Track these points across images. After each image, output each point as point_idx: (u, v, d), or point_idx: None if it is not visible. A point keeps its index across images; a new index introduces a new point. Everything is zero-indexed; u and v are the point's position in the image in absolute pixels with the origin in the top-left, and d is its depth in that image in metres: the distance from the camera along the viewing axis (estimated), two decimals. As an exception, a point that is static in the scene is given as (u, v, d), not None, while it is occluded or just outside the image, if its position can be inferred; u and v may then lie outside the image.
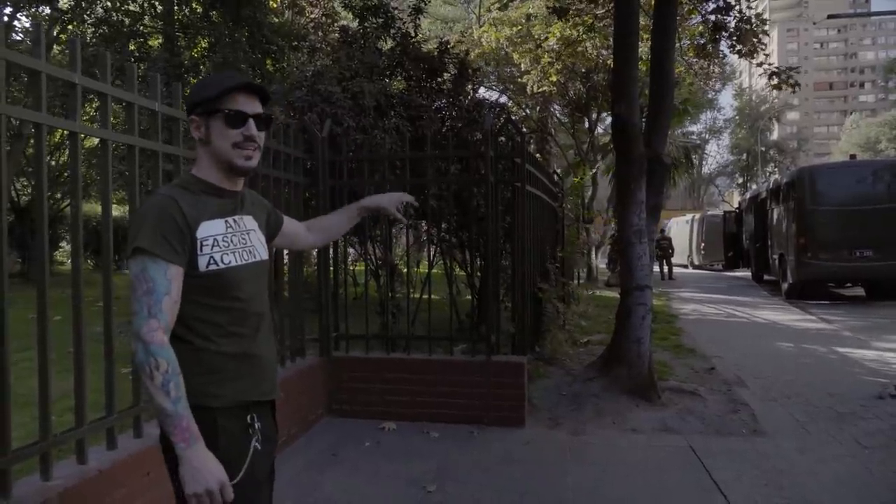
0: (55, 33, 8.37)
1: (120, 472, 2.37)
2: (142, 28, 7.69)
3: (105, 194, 2.53)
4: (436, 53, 6.75)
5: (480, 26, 15.59)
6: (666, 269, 18.67)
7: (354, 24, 7.24)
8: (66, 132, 2.63)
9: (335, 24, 9.33)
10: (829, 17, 7.02)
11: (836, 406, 4.80)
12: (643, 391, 4.85)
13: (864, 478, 3.46)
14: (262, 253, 1.62)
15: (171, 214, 1.41)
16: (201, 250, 1.44)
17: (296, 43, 8.61)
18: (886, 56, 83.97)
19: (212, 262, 1.46)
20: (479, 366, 4.39)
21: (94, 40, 7.00)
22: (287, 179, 4.21)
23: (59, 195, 15.58)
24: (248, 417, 1.51)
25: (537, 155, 11.58)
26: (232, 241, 1.51)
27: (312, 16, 9.74)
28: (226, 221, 1.52)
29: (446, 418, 4.33)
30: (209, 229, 1.47)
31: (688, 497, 3.25)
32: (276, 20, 8.99)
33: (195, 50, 7.99)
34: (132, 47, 7.34)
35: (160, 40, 7.84)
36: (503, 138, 5.65)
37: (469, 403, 4.37)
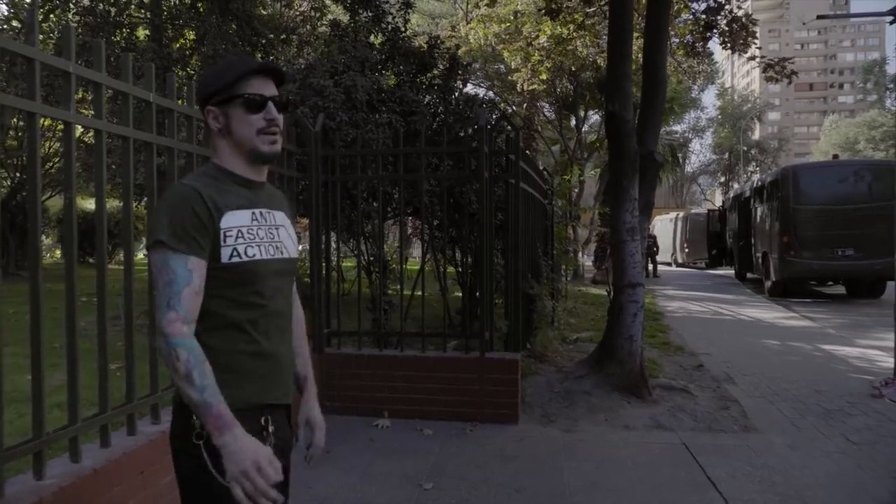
0: (38, 19, 8.17)
1: (114, 470, 2.31)
2: (128, 18, 7.55)
3: (99, 186, 2.47)
4: (426, 48, 6.71)
5: (468, 22, 15.55)
6: (651, 266, 18.81)
7: (345, 19, 7.17)
8: (49, 123, 2.54)
9: (324, 18, 9.25)
10: (819, 17, 7.09)
11: (823, 403, 4.87)
12: (635, 388, 4.87)
13: (854, 474, 3.51)
14: (292, 251, 1.56)
15: (192, 206, 1.36)
16: (224, 241, 1.39)
17: (284, 36, 8.51)
18: (865, 58, 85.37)
19: (235, 253, 1.40)
20: (472, 363, 4.38)
21: (79, 30, 6.85)
22: (279, 174, 4.16)
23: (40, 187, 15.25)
24: (262, 420, 1.45)
25: (526, 152, 11.58)
26: (258, 234, 1.45)
27: (301, 9, 9.64)
28: (252, 213, 1.47)
29: (440, 415, 4.31)
30: (233, 220, 1.41)
31: (683, 493, 3.27)
32: (265, 13, 8.88)
33: (183, 41, 7.86)
34: (118, 38, 7.20)
35: (147, 31, 7.72)
36: (495, 135, 5.63)
37: (462, 400, 4.36)
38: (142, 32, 7.97)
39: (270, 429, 1.46)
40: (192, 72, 7.19)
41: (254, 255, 1.43)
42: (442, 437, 4.07)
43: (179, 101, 3.12)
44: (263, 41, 7.83)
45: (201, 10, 7.71)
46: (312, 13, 9.70)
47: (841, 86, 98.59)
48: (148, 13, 7.63)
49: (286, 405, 1.56)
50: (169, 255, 1.32)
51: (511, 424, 4.29)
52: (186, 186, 1.39)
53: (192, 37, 7.55)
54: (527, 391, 4.84)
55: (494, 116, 6.01)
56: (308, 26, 9.48)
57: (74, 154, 2.33)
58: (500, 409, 4.33)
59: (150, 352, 2.74)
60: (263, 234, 1.47)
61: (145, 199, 2.92)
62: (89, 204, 17.48)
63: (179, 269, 1.32)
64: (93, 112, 2.49)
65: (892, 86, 52.27)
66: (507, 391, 4.35)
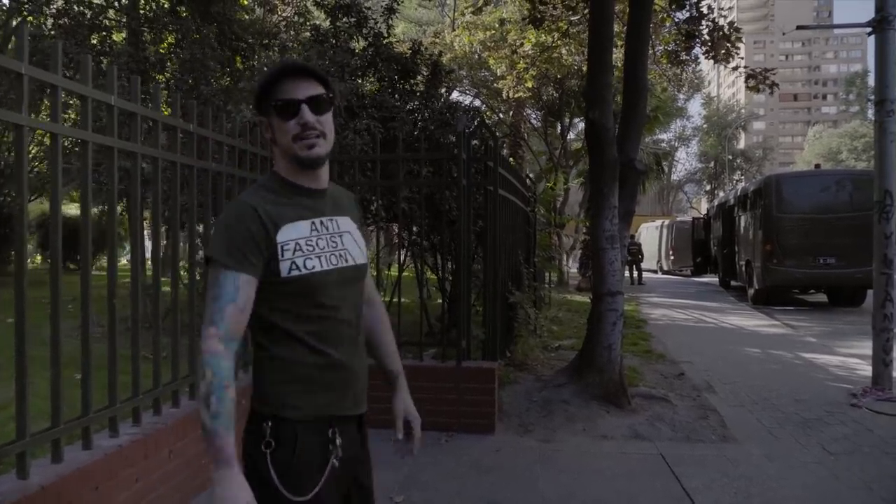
0: (13, 25, 8.06)
1: (66, 487, 2.22)
2: (105, 21, 7.42)
3: (54, 192, 2.38)
4: (409, 54, 6.68)
5: (454, 30, 15.58)
6: (636, 274, 18.87)
7: (326, 24, 7.12)
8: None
9: (307, 24, 9.19)
10: (799, 27, 7.13)
11: (802, 412, 4.85)
12: (614, 397, 4.83)
13: (831, 485, 3.48)
14: (358, 257, 1.53)
15: (246, 223, 1.37)
16: (282, 255, 1.39)
17: (266, 41, 8.44)
18: (848, 69, 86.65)
19: (294, 267, 1.40)
20: (449, 372, 4.32)
21: (52, 32, 6.72)
22: (253, 180, 4.08)
23: (10, 193, 15.00)
24: (330, 432, 1.43)
25: (510, 159, 11.57)
26: (317, 245, 1.44)
27: (284, 14, 9.58)
28: (311, 223, 1.45)
29: (415, 425, 4.24)
30: (291, 233, 1.41)
31: (658, 506, 3.22)
32: (247, 17, 8.80)
33: (162, 46, 7.76)
34: (94, 41, 7.08)
35: (124, 35, 7.61)
36: (476, 141, 5.59)
37: (438, 410, 4.28)
38: (119, 36, 7.86)
39: (338, 441, 1.44)
40: (170, 76, 7.09)
41: (313, 268, 1.41)
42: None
43: (149, 106, 3.05)
44: (244, 46, 7.75)
45: (182, 13, 7.62)
46: (296, 18, 9.65)
47: (824, 97, 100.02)
48: (125, 16, 7.53)
49: (358, 416, 1.53)
50: (220, 271, 1.34)
51: (488, 434, 4.23)
52: (243, 204, 1.40)
53: (171, 40, 7.45)
54: (505, 400, 4.78)
55: (474, 123, 5.98)
56: (291, 32, 9.41)
57: (27, 159, 2.25)
58: (477, 419, 4.27)
59: (111, 361, 2.65)
60: (324, 243, 1.45)
61: (105, 203, 2.84)
62: (71, 209, 17.21)
63: (228, 285, 1.34)
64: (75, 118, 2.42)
65: (873, 97, 52.92)
66: (483, 400, 4.29)
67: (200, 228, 4.09)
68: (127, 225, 2.85)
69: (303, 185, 1.46)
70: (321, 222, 1.46)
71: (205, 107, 3.56)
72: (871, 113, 56.10)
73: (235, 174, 3.80)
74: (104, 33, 7.17)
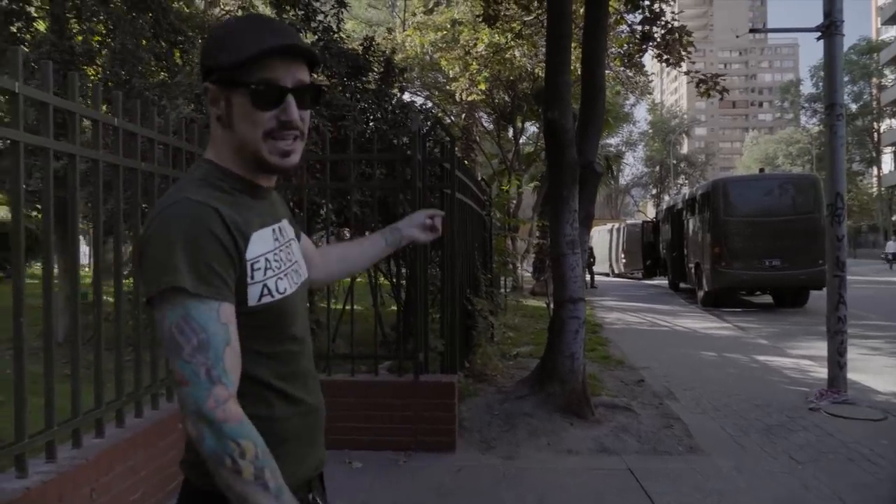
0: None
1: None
2: (27, 9, 6.81)
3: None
4: (360, 51, 6.40)
5: (405, 30, 15.32)
6: (588, 277, 19.01)
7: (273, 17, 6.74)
8: None
9: (252, 18, 8.77)
10: (752, 30, 7.19)
11: (764, 418, 4.79)
12: (577, 408, 4.66)
13: (801, 495, 3.38)
14: (304, 269, 1.21)
15: (213, 232, 0.97)
16: (252, 277, 1.03)
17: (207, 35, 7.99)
18: (781, 78, 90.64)
19: (265, 291, 1.04)
20: (406, 387, 4.05)
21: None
22: (190, 180, 3.72)
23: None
24: (310, 495, 1.14)
25: (465, 161, 11.39)
26: (283, 259, 1.10)
27: (227, 7, 9.13)
28: (273, 231, 1.10)
29: (370, 445, 3.95)
30: (260, 246, 1.04)
31: (631, 527, 3.04)
32: (187, 10, 8.31)
33: (95, 38, 7.21)
34: (14, 29, 6.49)
35: (47, 24, 7.03)
36: (431, 143, 5.36)
37: (395, 428, 4.02)
38: (43, 25, 7.25)
39: (319, 501, 1.18)
40: (101, 69, 6.58)
41: (285, 291, 1.08)
42: (373, 469, 3.71)
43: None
44: (182, 39, 7.29)
45: (113, 2, 7.09)
46: (240, 12, 9.20)
47: (760, 104, 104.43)
48: (48, 4, 6.96)
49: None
50: (189, 304, 0.93)
51: (448, 453, 3.98)
52: (200, 205, 0.98)
53: (101, 30, 6.92)
54: (465, 414, 4.54)
55: (429, 123, 5.74)
56: (235, 26, 8.95)
57: None
58: (437, 437, 4.01)
59: (18, 386, 2.28)
60: (285, 257, 1.12)
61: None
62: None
63: (211, 323, 0.94)
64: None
65: (806, 105, 55.63)
66: (443, 417, 4.04)
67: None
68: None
69: (255, 183, 1.10)
70: (280, 229, 1.14)
71: (135, 100, 3.20)
72: (804, 120, 58.87)
73: (170, 175, 3.45)
74: (24, 21, 6.59)
